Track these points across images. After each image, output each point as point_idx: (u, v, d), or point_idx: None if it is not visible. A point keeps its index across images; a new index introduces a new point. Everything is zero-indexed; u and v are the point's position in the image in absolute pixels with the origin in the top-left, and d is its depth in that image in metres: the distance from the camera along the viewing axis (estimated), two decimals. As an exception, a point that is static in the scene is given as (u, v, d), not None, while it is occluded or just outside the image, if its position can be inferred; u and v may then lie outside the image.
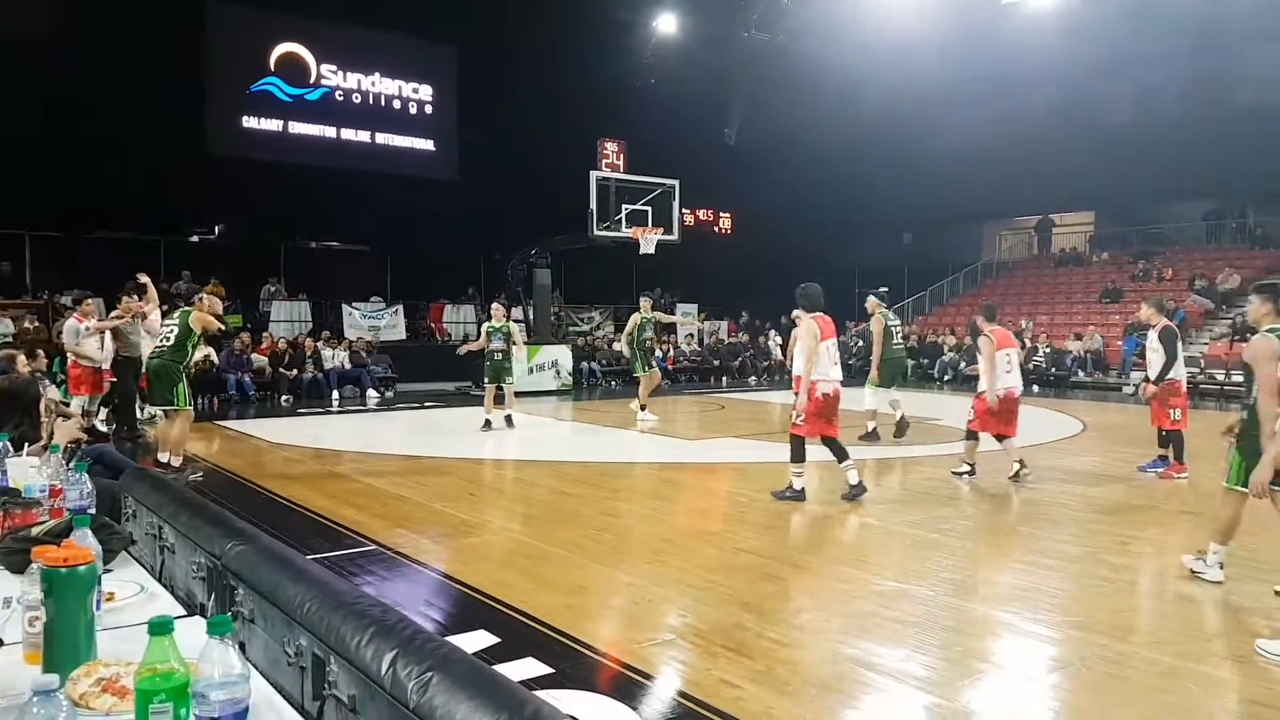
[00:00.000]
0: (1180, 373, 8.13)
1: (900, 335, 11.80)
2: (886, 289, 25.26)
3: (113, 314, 10.66)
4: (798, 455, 7.02)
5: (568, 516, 6.65)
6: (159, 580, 2.63)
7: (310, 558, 5.19)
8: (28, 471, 2.82)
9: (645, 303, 12.63)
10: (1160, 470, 8.28)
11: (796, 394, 7.00)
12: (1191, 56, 20.28)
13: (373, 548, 5.68)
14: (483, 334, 12.03)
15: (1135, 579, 5.29)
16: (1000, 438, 8.16)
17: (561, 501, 7.33)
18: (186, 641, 1.33)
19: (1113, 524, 6.43)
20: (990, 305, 8.47)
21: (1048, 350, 19.38)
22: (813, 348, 6.88)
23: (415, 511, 6.80)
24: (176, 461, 7.99)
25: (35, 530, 2.31)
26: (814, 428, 6.96)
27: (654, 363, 12.92)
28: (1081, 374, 18.82)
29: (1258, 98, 19.76)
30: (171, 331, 8.04)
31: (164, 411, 8.30)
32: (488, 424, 11.39)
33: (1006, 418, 8.05)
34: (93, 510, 2.60)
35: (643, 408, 12.25)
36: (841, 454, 7.02)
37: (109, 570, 2.30)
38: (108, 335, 10.48)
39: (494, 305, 12.53)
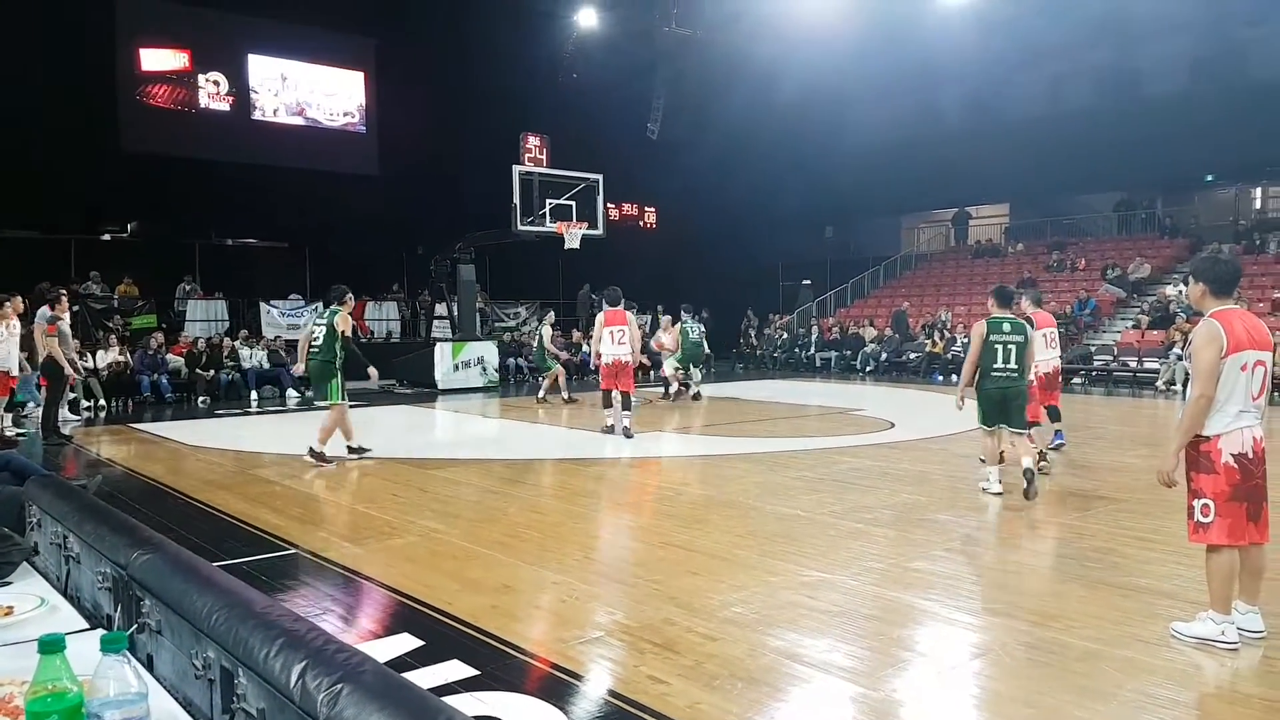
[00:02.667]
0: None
1: (698, 334, 15.15)
2: (808, 282, 25.80)
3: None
4: (605, 403, 10.64)
5: (493, 515, 6.59)
6: (64, 593, 2.52)
7: (225, 564, 5.08)
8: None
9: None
10: (1061, 442, 9.18)
11: (595, 365, 11.00)
12: (1099, 48, 21.04)
13: (291, 552, 5.55)
14: None
15: (1050, 564, 5.49)
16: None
17: (487, 500, 7.26)
18: (91, 657, 1.27)
19: (1028, 508, 6.65)
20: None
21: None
22: (598, 334, 10.49)
23: (336, 514, 6.66)
24: (318, 446, 8.53)
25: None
26: (606, 384, 10.45)
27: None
28: (999, 363, 19.39)
29: (1163, 89, 20.61)
30: (321, 331, 8.59)
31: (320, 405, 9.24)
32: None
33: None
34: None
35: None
36: (615, 402, 10.44)
37: (7, 584, 2.20)
38: (14, 339, 10.32)
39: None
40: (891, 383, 18.40)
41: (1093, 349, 18.78)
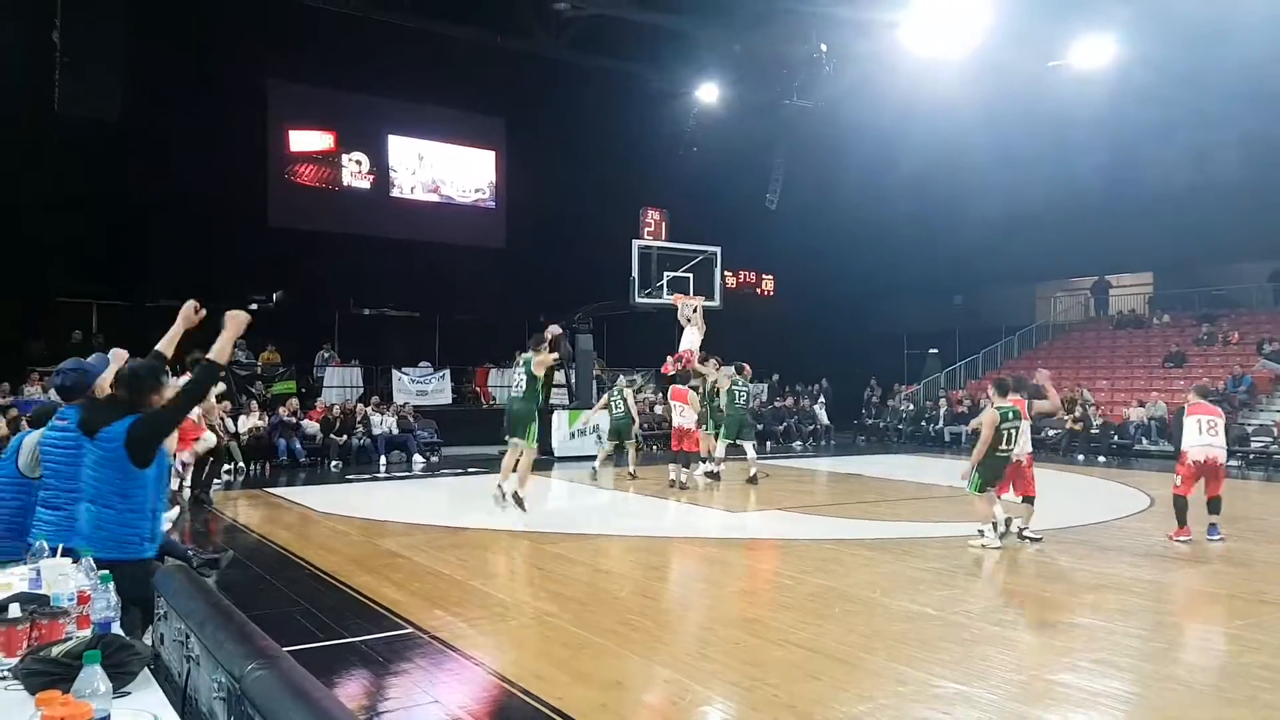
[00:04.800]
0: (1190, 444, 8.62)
1: (744, 399, 13.28)
2: (935, 351, 24.97)
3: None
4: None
5: (605, 599, 6.49)
6: (184, 692, 2.55)
7: (344, 641, 5.13)
8: (58, 577, 2.79)
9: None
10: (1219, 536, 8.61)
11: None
12: (1245, 116, 19.92)
13: (409, 630, 5.58)
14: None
15: (1213, 681, 4.95)
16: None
17: (599, 581, 7.17)
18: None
19: (1187, 616, 6.07)
20: (1001, 379, 8.87)
21: (1099, 421, 18.78)
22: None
23: (453, 590, 6.69)
24: (520, 490, 9.25)
25: (56, 650, 2.26)
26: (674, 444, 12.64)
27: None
28: (1145, 442, 18.15)
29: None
30: (522, 378, 9.35)
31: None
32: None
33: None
34: (117, 624, 2.56)
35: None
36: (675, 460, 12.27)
37: (125, 694, 2.24)
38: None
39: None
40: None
41: (1249, 429, 17.34)
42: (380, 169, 22.35)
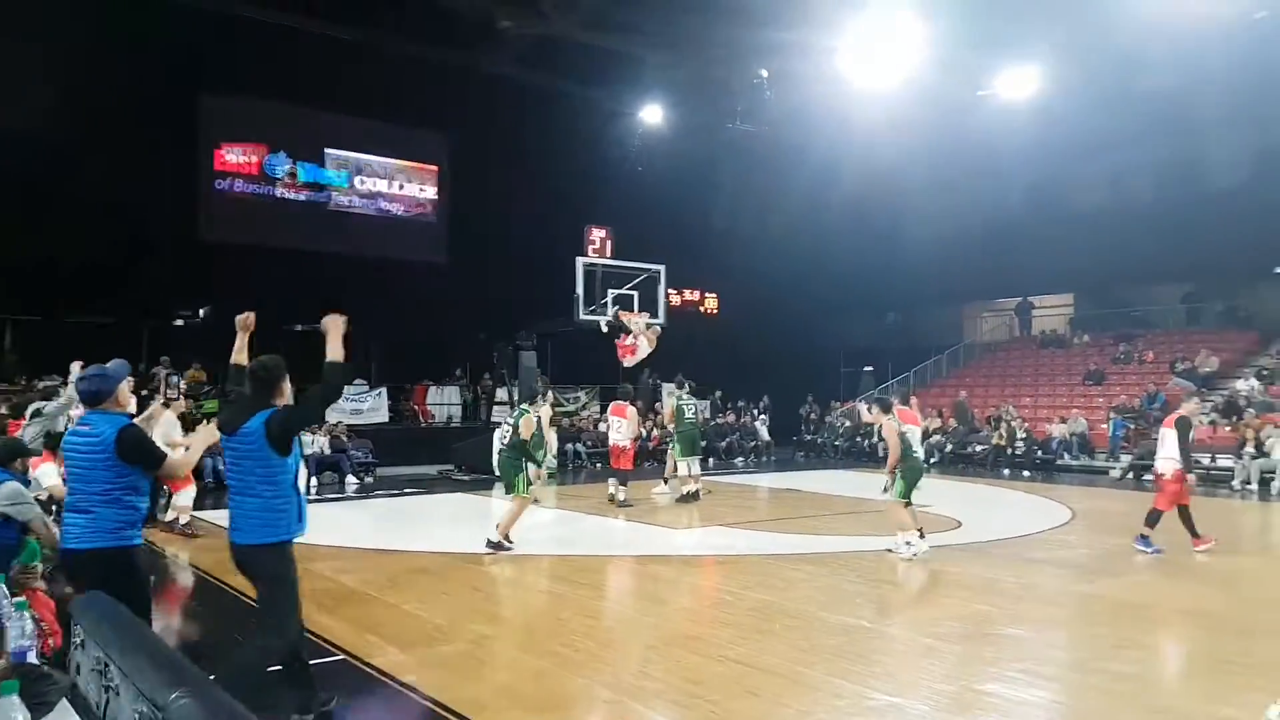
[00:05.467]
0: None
1: (693, 413, 13.35)
2: (869, 368, 25.39)
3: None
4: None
5: (546, 619, 6.42)
6: (102, 721, 2.45)
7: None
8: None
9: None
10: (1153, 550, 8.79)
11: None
12: (1162, 141, 20.74)
13: (340, 658, 5.43)
14: None
15: (1138, 689, 5.09)
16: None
17: (540, 602, 7.10)
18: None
19: (1110, 625, 6.24)
20: (881, 398, 9.54)
21: (1023, 436, 19.32)
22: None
23: (387, 616, 6.54)
24: (503, 540, 8.89)
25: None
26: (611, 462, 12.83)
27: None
28: (1067, 457, 18.72)
29: (1229, 181, 20.21)
30: (510, 430, 9.38)
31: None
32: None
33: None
34: (33, 654, 2.44)
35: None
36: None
37: (42, 725, 2.13)
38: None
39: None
40: (957, 475, 17.84)
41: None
42: (317, 182, 21.96)
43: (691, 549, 9.60)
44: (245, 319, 4.72)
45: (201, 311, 18.25)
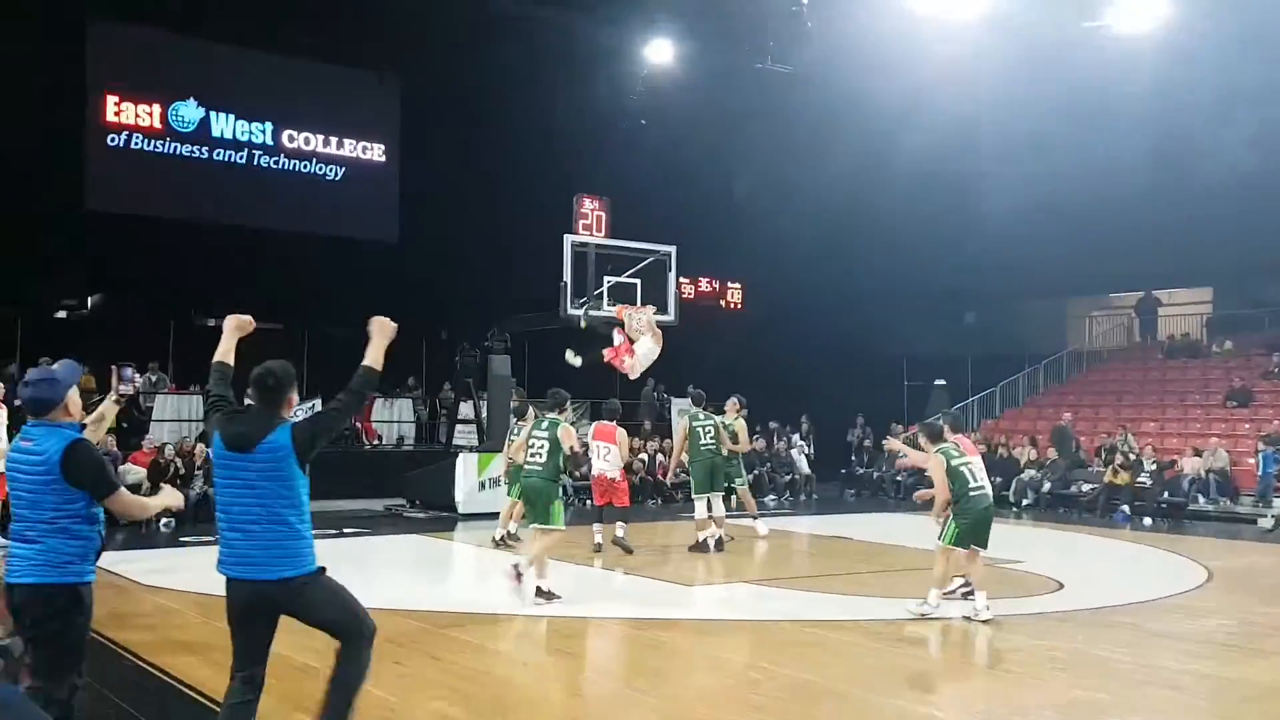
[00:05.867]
0: None
1: (711, 436, 13.25)
2: (942, 382, 25.34)
3: None
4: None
5: (526, 700, 6.44)
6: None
7: None
8: None
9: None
10: None
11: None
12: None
13: (261, 747, 5.45)
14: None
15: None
16: None
17: (518, 676, 7.11)
18: None
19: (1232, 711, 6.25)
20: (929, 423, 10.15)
21: (1153, 467, 19.23)
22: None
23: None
24: (543, 581, 9.23)
25: None
26: (597, 499, 12.77)
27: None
28: (1202, 500, 18.63)
29: None
30: (542, 446, 9.65)
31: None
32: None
33: None
34: None
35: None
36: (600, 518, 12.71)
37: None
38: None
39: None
40: (1057, 523, 17.77)
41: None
42: (234, 138, 22.00)
43: (709, 611, 9.64)
44: (243, 321, 4.95)
45: (90, 301, 18.39)
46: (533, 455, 9.89)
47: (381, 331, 4.66)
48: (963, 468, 8.79)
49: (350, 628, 4.76)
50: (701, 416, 13.36)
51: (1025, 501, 19.99)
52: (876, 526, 16.46)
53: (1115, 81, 20.17)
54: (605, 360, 13.73)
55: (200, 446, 16.54)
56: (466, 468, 17.11)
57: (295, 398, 4.66)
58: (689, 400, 14.33)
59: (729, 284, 28.15)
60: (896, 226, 24.78)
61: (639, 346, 13.55)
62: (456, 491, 16.86)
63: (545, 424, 9.99)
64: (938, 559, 8.89)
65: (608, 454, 12.75)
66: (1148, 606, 9.87)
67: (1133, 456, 19.33)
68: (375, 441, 20.90)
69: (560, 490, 9.61)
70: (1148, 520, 17.88)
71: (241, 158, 22.17)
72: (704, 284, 27.22)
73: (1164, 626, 8.94)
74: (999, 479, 20.66)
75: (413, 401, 22.13)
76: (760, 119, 23.28)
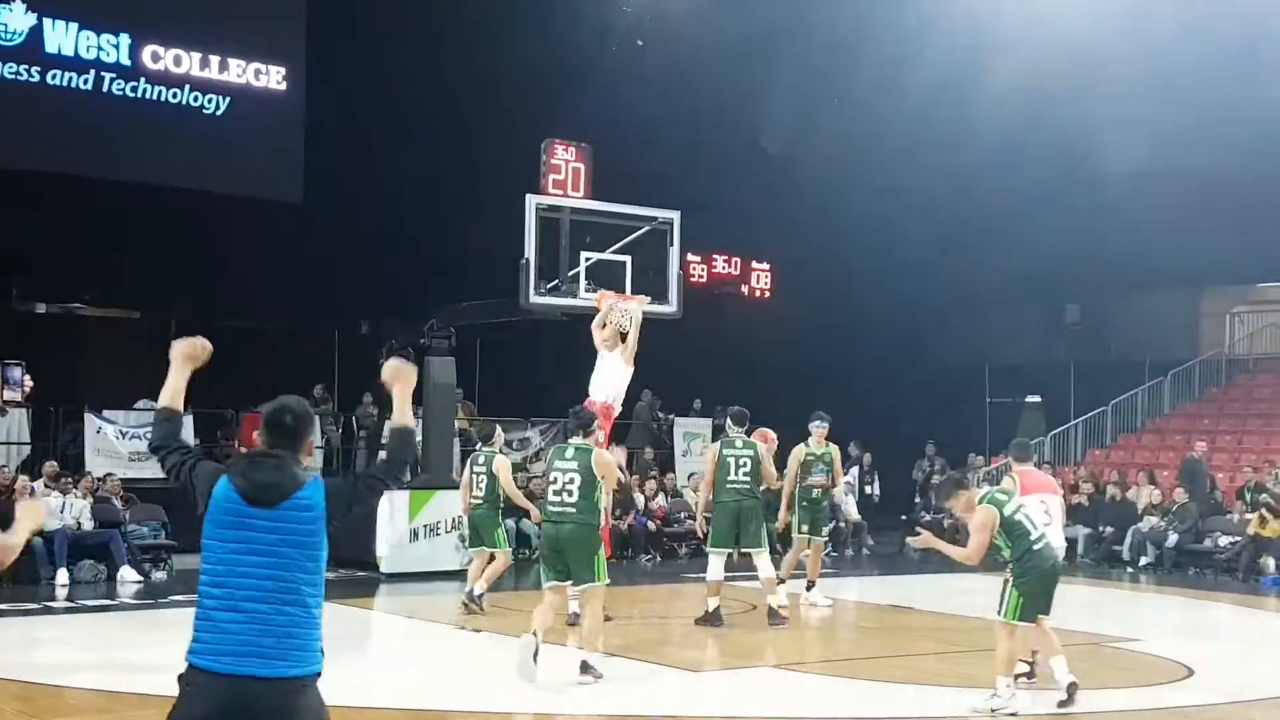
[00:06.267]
0: None
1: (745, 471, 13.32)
2: (1037, 399, 25.30)
3: None
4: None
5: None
6: None
7: None
8: None
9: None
10: None
11: None
12: None
13: None
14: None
15: None
16: None
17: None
18: None
19: None
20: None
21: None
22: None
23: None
24: (590, 652, 9.81)
25: None
26: None
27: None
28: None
29: None
30: (571, 481, 9.84)
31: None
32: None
33: None
34: None
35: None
36: None
37: None
38: None
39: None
40: (1186, 587, 17.71)
41: None
42: (78, 57, 21.85)
43: (726, 706, 9.55)
44: (197, 347, 4.77)
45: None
46: (559, 494, 9.95)
47: (398, 378, 4.66)
48: (1018, 515, 8.83)
49: None
50: (739, 444, 13.22)
51: (1144, 560, 19.99)
52: (950, 592, 16.32)
53: (1274, 10, 20.24)
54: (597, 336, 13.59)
55: (23, 478, 16.34)
56: (393, 510, 16.96)
57: (315, 440, 4.65)
58: (728, 419, 14.15)
59: (753, 264, 28.02)
60: (974, 193, 24.76)
61: (603, 373, 13.48)
62: (378, 543, 16.81)
63: (571, 452, 10.05)
64: (999, 639, 8.97)
65: None
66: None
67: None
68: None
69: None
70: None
71: (87, 82, 21.96)
72: (719, 263, 27.08)
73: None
74: (1110, 529, 20.82)
75: (319, 419, 21.95)
76: (798, 40, 23.27)
